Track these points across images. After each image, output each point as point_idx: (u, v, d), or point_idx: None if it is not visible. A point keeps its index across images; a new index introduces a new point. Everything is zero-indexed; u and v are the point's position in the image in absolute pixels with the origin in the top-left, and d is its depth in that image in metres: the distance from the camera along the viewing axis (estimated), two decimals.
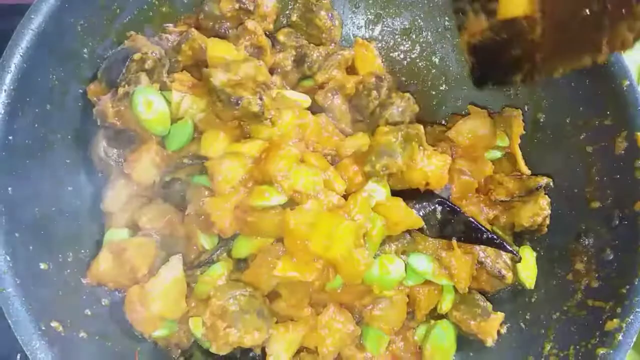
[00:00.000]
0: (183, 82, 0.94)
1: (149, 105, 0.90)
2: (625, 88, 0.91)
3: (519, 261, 0.98)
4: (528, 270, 1.00)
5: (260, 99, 0.88)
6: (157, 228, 0.93)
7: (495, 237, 0.95)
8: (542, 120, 1.06)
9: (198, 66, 0.98)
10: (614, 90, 0.93)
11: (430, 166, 0.94)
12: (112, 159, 0.94)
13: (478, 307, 0.99)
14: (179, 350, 0.96)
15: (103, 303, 0.93)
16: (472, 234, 0.96)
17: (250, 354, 0.94)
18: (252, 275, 0.89)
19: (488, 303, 1.00)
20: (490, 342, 0.98)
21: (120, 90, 0.91)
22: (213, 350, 0.87)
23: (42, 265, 0.84)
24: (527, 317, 1.00)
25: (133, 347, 0.91)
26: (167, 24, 1.02)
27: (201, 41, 0.96)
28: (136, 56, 0.93)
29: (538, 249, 1.03)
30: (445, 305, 0.99)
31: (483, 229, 0.96)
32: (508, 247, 0.96)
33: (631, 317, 0.84)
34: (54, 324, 0.80)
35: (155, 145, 0.93)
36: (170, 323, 0.90)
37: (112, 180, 0.94)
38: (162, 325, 0.89)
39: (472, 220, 0.96)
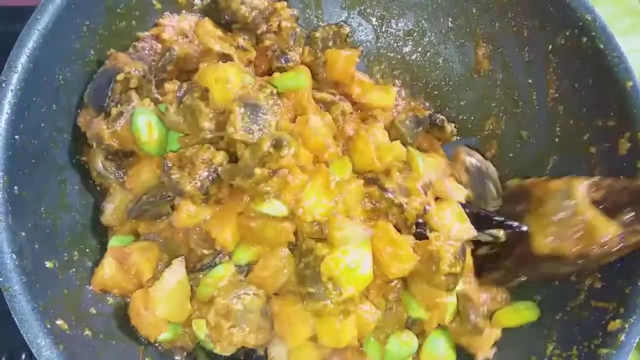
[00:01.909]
0: (174, 92, 0.92)
1: (150, 127, 0.89)
2: (629, 89, 0.92)
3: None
4: None
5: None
6: (157, 232, 0.93)
7: (502, 219, 0.97)
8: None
9: (187, 72, 0.98)
10: (618, 91, 0.93)
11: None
12: (110, 172, 0.93)
13: (469, 324, 0.96)
14: (185, 353, 0.96)
15: (108, 302, 0.93)
16: (483, 224, 0.97)
17: (254, 355, 0.94)
18: (256, 279, 0.90)
19: (482, 320, 0.97)
20: (479, 358, 0.98)
21: (114, 111, 0.90)
22: (217, 351, 0.88)
23: (48, 264, 0.84)
24: None
25: (137, 346, 0.92)
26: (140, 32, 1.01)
27: (184, 54, 0.96)
28: (119, 77, 0.91)
29: None
30: (447, 318, 0.97)
31: (491, 215, 0.98)
32: (513, 223, 0.97)
33: (634, 317, 0.84)
34: (59, 322, 0.80)
35: (157, 158, 0.92)
36: (174, 326, 0.91)
37: (112, 193, 0.95)
38: (167, 328, 0.89)
39: (481, 210, 0.99)
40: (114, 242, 0.93)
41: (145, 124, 0.89)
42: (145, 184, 0.92)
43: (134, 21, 1.00)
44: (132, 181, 0.92)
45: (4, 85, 0.82)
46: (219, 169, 0.84)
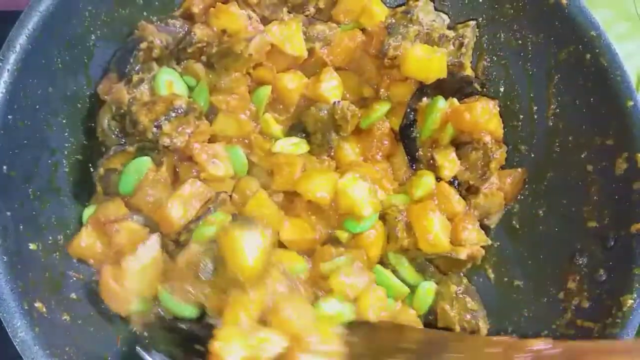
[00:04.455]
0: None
1: (170, 86, 0.94)
2: (629, 108, 0.90)
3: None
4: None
5: None
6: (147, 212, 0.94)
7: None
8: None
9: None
10: (618, 110, 0.92)
11: None
12: (113, 132, 0.96)
13: None
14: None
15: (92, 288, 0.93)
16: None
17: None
18: None
19: None
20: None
21: (135, 78, 0.94)
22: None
23: (31, 246, 0.84)
24: (514, 335, 0.97)
25: (116, 334, 0.91)
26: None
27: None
28: (143, 45, 0.95)
29: (530, 263, 1.02)
30: None
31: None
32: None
33: (619, 339, 0.82)
34: (37, 304, 0.80)
35: None
36: (144, 299, 0.89)
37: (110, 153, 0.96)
38: (136, 301, 0.88)
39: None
40: (87, 211, 0.93)
41: (166, 83, 0.94)
42: None
43: (137, 8, 1.00)
44: None
45: (1, 64, 0.82)
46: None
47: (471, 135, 0.99)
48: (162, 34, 0.97)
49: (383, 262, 1.00)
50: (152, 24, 0.98)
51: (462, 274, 1.02)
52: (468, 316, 0.97)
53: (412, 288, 0.99)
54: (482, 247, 1.00)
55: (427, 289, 0.99)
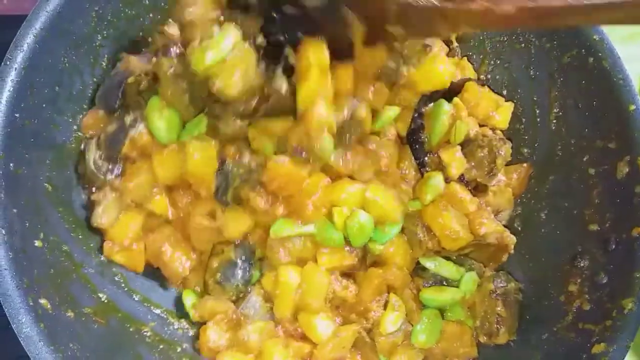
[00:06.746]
0: None
1: (161, 111, 0.92)
2: (631, 112, 0.91)
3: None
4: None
5: None
6: None
7: None
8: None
9: None
10: (620, 113, 0.92)
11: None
12: (101, 171, 0.93)
13: None
14: None
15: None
16: None
17: None
18: None
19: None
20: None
21: (127, 119, 0.93)
22: None
23: (37, 243, 0.85)
24: (515, 337, 0.98)
25: (121, 330, 0.92)
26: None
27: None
28: (130, 80, 0.93)
29: (531, 266, 1.02)
30: None
31: None
32: None
33: (618, 342, 0.83)
34: (42, 300, 0.80)
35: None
36: None
37: (103, 195, 0.94)
38: None
39: None
40: None
41: (157, 108, 0.92)
42: (139, 187, 0.94)
43: (143, 9, 1.01)
44: (128, 179, 0.94)
45: (8, 63, 0.83)
46: None
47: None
48: (147, 66, 0.94)
49: (417, 269, 1.02)
50: (134, 56, 0.96)
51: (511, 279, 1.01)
52: (492, 318, 0.97)
53: (458, 283, 1.01)
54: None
55: (472, 278, 1.00)
